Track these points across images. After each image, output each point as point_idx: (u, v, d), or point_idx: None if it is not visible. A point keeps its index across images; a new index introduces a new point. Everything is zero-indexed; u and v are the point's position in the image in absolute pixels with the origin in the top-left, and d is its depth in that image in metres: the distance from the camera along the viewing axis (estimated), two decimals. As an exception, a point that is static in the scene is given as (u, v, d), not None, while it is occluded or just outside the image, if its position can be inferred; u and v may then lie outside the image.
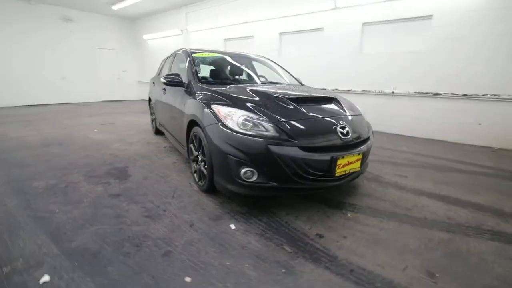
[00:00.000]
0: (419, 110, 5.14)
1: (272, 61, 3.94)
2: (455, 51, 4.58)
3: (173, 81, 2.88)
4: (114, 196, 2.35)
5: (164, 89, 3.58)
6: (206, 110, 2.21)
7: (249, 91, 2.41)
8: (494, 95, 4.35)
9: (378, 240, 1.83)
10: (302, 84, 3.47)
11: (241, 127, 1.95)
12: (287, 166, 1.88)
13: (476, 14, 4.29)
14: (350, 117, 2.28)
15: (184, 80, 2.92)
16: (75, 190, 2.47)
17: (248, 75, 3.49)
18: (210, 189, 2.33)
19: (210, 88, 2.57)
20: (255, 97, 2.26)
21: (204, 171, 2.34)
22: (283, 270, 1.50)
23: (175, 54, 3.82)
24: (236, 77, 3.45)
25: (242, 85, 2.80)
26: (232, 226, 1.92)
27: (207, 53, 3.37)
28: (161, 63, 4.71)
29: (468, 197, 2.54)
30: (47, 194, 2.36)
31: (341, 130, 2.07)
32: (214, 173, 2.14)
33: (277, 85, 3.04)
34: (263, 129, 1.93)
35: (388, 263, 1.60)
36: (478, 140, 4.60)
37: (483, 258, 1.67)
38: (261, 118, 1.98)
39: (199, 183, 2.51)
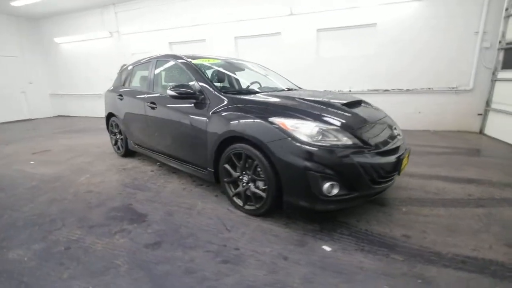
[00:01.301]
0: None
1: (263, 66, 3.81)
2: (397, 54, 5.44)
3: (185, 93, 2.43)
4: (154, 246, 1.81)
5: (153, 103, 2.98)
6: (262, 123, 1.94)
7: (298, 99, 2.25)
8: (429, 88, 5.39)
9: (448, 227, 1.99)
10: (300, 89, 3.47)
11: (316, 139, 1.80)
12: (366, 173, 1.84)
13: (413, 22, 5.20)
14: (389, 118, 2.41)
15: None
16: (88, 251, 1.78)
17: (258, 82, 3.23)
18: (269, 212, 2.08)
19: (244, 98, 2.28)
20: (311, 105, 2.13)
21: (259, 192, 2.06)
22: (419, 281, 1.46)
23: (155, 61, 3.22)
24: (249, 85, 3.16)
25: (275, 92, 2.61)
26: (326, 248, 1.76)
27: (207, 59, 2.97)
28: (124, 72, 3.91)
29: (461, 174, 3.05)
30: (48, 267, 1.62)
31: (395, 131, 2.16)
32: (284, 193, 1.91)
33: (306, 92, 2.93)
34: (337, 139, 1.83)
35: (477, 245, 1.76)
36: (419, 125, 5.62)
37: (525, 223, 2.03)
38: (332, 127, 1.87)
39: (247, 206, 2.19)
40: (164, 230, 2.01)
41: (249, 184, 2.14)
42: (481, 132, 5.16)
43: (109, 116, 4.05)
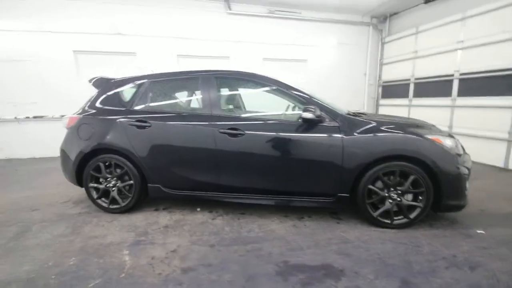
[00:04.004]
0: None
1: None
2: (323, 86, 6.96)
3: (320, 116, 2.27)
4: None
5: (235, 129, 2.36)
6: (425, 141, 2.24)
7: (408, 120, 2.70)
8: (343, 111, 7.27)
9: (488, 197, 3.04)
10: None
11: (456, 149, 2.33)
12: (466, 170, 2.59)
13: (332, 63, 6.91)
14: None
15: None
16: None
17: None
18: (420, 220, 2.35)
19: (386, 121, 2.51)
20: (424, 124, 2.72)
21: (414, 203, 2.29)
22: (540, 232, 2.29)
23: (211, 78, 2.56)
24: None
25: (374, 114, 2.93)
26: (481, 231, 2.28)
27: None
28: (124, 87, 2.68)
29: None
30: None
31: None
32: (444, 197, 2.24)
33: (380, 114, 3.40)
34: (461, 147, 2.46)
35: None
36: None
37: None
38: (455, 139, 2.47)
39: (396, 221, 2.33)
40: (392, 271, 1.78)
41: (399, 199, 2.30)
42: (373, 140, 7.56)
43: (93, 153, 2.58)
